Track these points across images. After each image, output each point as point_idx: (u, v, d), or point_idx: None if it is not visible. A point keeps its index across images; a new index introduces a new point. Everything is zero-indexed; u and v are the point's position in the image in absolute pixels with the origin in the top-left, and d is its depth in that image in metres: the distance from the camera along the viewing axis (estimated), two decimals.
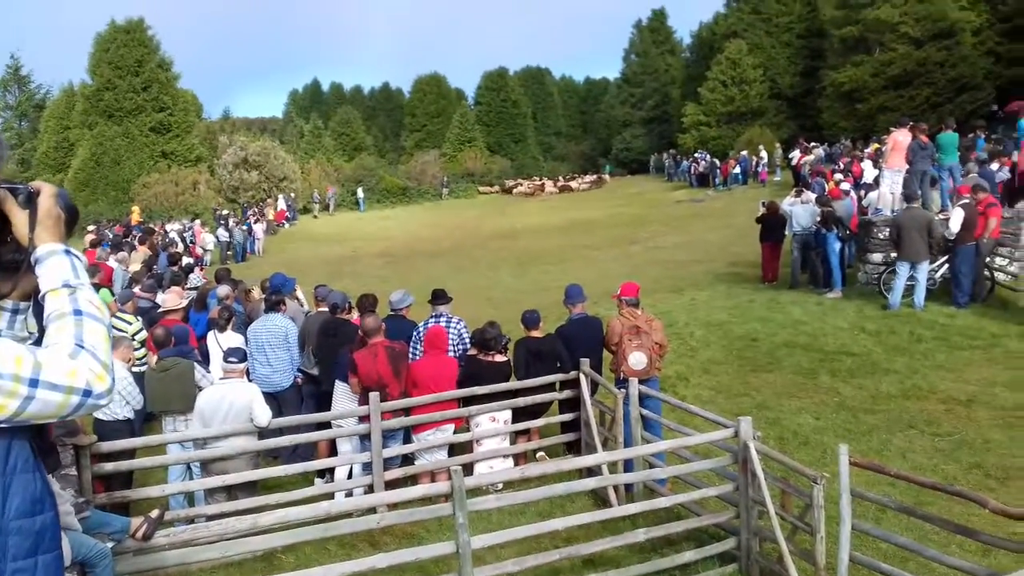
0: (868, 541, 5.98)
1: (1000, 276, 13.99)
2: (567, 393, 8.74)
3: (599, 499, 7.66)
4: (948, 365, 10.72)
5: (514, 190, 59.73)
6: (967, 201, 13.19)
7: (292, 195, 49.70)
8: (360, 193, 55.17)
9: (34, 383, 1.79)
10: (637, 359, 8.15)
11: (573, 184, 60.03)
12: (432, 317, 9.41)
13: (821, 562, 5.48)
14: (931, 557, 5.22)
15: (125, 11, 65.77)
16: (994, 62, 40.71)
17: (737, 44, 54.47)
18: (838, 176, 21.79)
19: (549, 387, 8.69)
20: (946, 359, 10.95)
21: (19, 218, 2.01)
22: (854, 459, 5.61)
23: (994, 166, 19.21)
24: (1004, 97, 39.45)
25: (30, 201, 2.02)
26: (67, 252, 2.03)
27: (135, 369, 8.92)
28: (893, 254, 13.67)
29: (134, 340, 9.58)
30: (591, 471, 7.17)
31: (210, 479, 7.28)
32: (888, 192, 15.27)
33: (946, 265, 13.64)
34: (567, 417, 8.82)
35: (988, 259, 13.54)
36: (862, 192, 18.56)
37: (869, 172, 22.55)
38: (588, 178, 62.61)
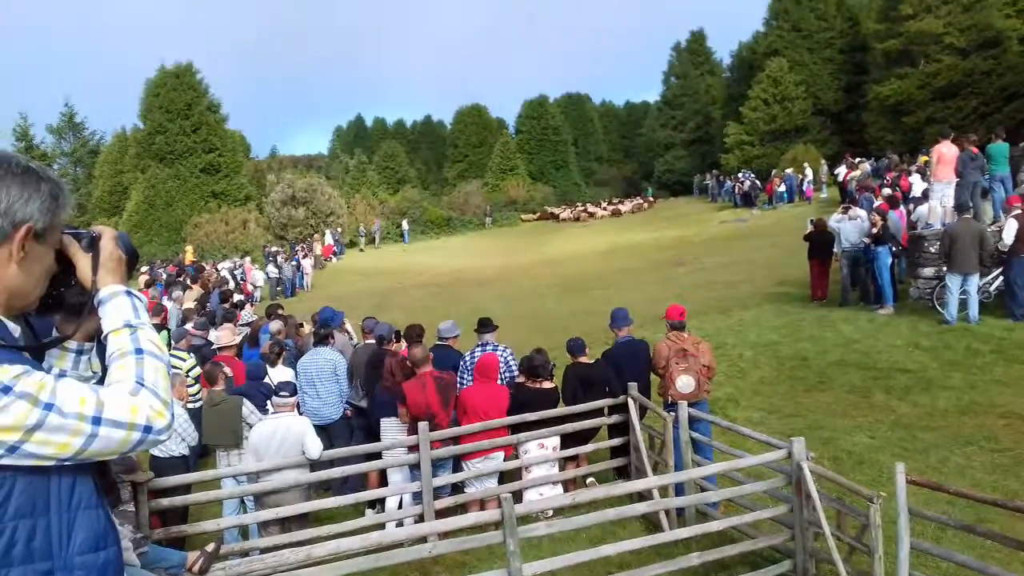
0: (928, 560, 5.85)
1: None
2: (615, 418, 8.71)
3: (651, 524, 7.61)
4: (1006, 379, 10.46)
5: (560, 216, 59.85)
6: (1021, 211, 12.91)
7: (339, 230, 50.35)
8: (405, 225, 55.72)
9: (97, 421, 1.84)
10: (685, 382, 8.10)
11: (623, 207, 59.96)
12: (479, 346, 9.46)
13: None
14: (993, 575, 5.09)
15: (175, 56, 67.82)
16: None
17: (778, 62, 54.15)
18: (886, 191, 21.43)
19: (597, 412, 8.66)
20: (1004, 373, 10.69)
21: (83, 262, 2.10)
22: (911, 477, 5.50)
23: None
24: None
25: (92, 245, 2.11)
26: (128, 293, 2.09)
27: (190, 406, 9.11)
28: (944, 268, 13.40)
29: (188, 376, 9.80)
30: (642, 496, 7.14)
31: (263, 512, 7.37)
32: (938, 205, 15.02)
33: (1001, 277, 13.34)
34: (616, 442, 8.77)
35: None
36: (911, 206, 18.24)
37: (917, 186, 22.17)
38: (637, 201, 62.53)
